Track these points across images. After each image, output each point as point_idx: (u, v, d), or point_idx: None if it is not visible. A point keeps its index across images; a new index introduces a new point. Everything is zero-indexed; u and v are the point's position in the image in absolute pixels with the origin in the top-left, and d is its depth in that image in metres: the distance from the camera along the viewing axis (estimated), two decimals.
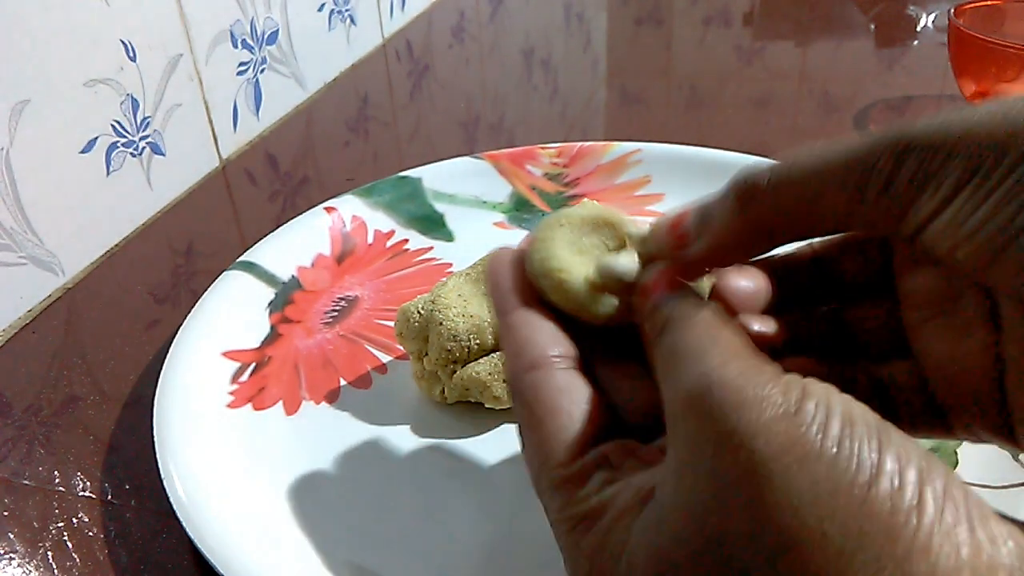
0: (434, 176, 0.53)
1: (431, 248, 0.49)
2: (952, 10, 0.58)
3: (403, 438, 0.36)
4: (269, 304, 0.43)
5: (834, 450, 0.16)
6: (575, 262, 0.24)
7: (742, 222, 0.21)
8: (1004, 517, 0.16)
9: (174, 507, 0.31)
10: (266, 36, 0.65)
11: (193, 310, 0.41)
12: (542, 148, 0.54)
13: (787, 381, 0.17)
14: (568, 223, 0.25)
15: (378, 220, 0.50)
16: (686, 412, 0.18)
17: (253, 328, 0.42)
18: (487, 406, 0.35)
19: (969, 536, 0.15)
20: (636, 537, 0.18)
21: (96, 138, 0.50)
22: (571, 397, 0.21)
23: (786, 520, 0.15)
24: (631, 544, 0.18)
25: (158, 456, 0.33)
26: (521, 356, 0.22)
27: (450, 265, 0.47)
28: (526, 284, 0.24)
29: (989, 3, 0.60)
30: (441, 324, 0.35)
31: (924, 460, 0.16)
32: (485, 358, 0.35)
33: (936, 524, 0.15)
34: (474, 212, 0.51)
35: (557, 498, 0.21)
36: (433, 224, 0.50)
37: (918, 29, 0.82)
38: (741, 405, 0.17)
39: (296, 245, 0.47)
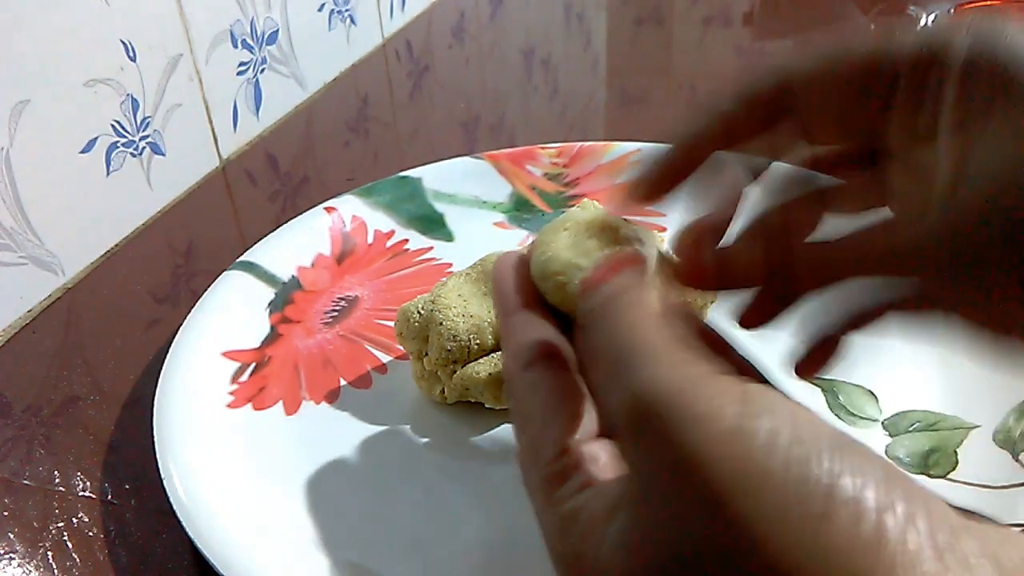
0: (434, 176, 0.53)
1: (431, 248, 0.49)
2: (952, 10, 0.58)
3: (403, 438, 0.36)
4: (269, 304, 0.43)
5: (785, 476, 0.15)
6: (576, 265, 0.24)
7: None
8: (985, 521, 0.15)
9: (174, 507, 0.31)
10: (266, 36, 0.65)
11: (193, 310, 0.41)
12: (542, 148, 0.54)
13: (738, 393, 0.17)
14: (572, 226, 0.25)
15: (378, 220, 0.50)
16: (635, 427, 0.17)
17: (253, 328, 0.42)
18: (487, 406, 0.35)
19: (936, 563, 0.14)
20: (606, 551, 0.18)
21: (96, 138, 0.50)
22: (560, 396, 0.21)
23: (742, 560, 0.15)
24: (603, 556, 0.18)
25: (158, 456, 0.33)
26: (518, 356, 0.22)
27: (450, 265, 0.47)
28: (529, 286, 0.24)
29: (989, 3, 0.60)
30: (441, 324, 0.35)
31: (883, 480, 0.15)
32: (485, 358, 0.35)
33: (898, 555, 0.14)
34: (474, 212, 0.51)
35: (538, 498, 0.21)
36: (433, 224, 0.50)
37: (918, 29, 0.82)
38: (693, 423, 0.16)
39: (296, 245, 0.47)
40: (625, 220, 0.25)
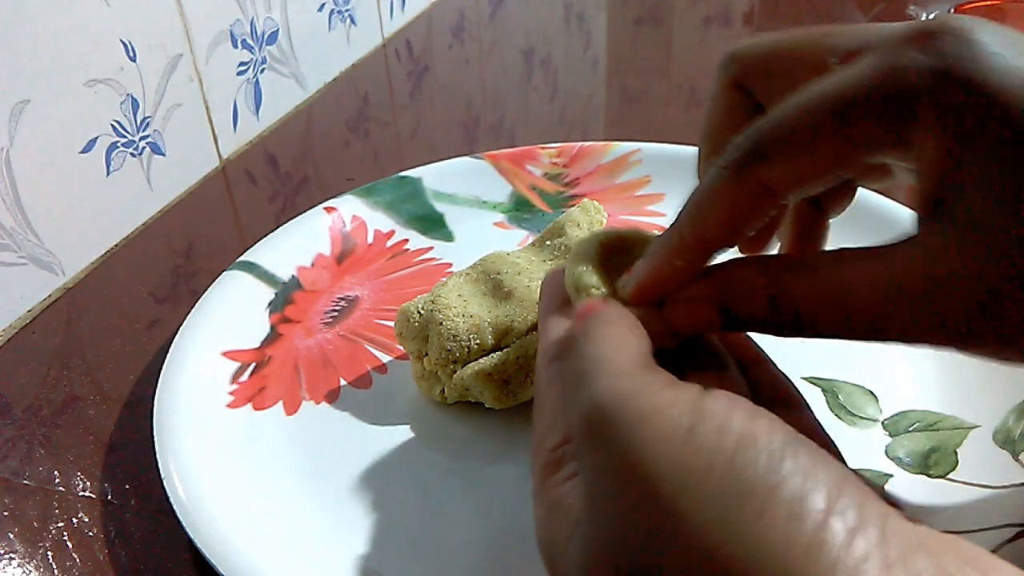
0: (434, 176, 0.53)
1: (431, 248, 0.49)
2: (952, 10, 0.58)
3: (403, 438, 0.36)
4: (269, 304, 0.43)
5: (727, 473, 0.15)
6: (603, 283, 0.25)
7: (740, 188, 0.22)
8: (951, 536, 0.15)
9: (174, 507, 0.31)
10: (266, 36, 0.65)
11: (193, 310, 0.41)
12: (542, 148, 0.54)
13: (690, 398, 0.17)
14: (604, 240, 0.26)
15: (378, 220, 0.50)
16: (586, 435, 0.18)
17: (253, 328, 0.42)
18: (487, 406, 0.35)
19: (883, 574, 0.14)
20: (572, 547, 0.19)
21: (96, 138, 0.50)
22: None
23: (679, 551, 0.15)
24: (568, 553, 0.19)
25: (158, 456, 0.33)
26: (545, 352, 0.24)
27: (450, 265, 0.47)
28: (564, 295, 0.26)
29: (989, 3, 0.60)
30: (441, 324, 0.35)
31: (836, 486, 0.15)
32: (485, 358, 0.35)
33: (840, 560, 0.14)
34: (474, 212, 0.51)
35: (535, 481, 0.22)
36: (433, 224, 0.50)
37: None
38: (638, 423, 0.17)
39: (296, 245, 0.47)
40: (654, 233, 0.26)
